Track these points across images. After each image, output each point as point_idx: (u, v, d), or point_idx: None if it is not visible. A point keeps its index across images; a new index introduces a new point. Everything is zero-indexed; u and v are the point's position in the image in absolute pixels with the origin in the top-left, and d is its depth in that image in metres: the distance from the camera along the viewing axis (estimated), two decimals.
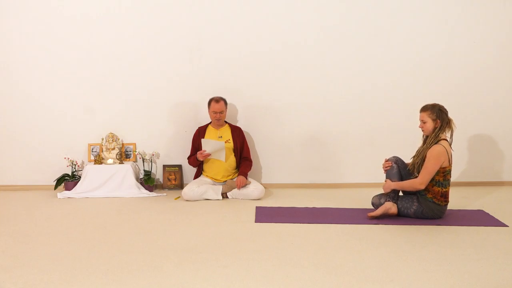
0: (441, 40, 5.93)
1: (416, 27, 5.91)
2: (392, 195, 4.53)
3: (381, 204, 4.63)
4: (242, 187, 5.41)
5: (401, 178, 4.56)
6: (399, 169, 4.57)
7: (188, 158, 5.69)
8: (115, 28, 5.87)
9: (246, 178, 5.49)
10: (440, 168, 4.39)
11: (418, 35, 5.92)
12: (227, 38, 5.89)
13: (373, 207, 4.75)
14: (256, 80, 5.95)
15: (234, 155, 5.63)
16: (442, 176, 4.41)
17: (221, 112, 5.54)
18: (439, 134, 4.45)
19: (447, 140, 4.44)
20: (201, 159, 5.50)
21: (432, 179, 4.42)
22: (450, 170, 4.44)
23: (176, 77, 5.93)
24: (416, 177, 4.49)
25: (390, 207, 4.50)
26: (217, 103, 5.53)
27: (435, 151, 4.39)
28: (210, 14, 5.87)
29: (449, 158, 4.39)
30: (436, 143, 4.41)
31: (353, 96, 5.99)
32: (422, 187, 4.41)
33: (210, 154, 5.43)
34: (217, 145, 5.41)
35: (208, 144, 5.41)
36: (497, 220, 4.53)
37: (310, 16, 5.89)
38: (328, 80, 5.97)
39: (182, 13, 5.85)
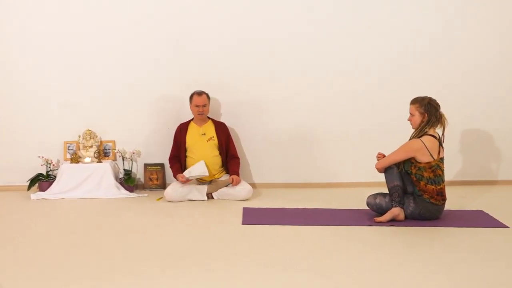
0: (438, 37, 5.96)
1: (410, 22, 5.94)
2: (398, 199, 4.52)
3: (376, 204, 4.65)
4: (235, 185, 5.43)
5: (402, 178, 4.57)
6: (399, 171, 4.57)
7: (170, 159, 5.68)
8: (92, 20, 5.84)
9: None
10: (425, 163, 4.42)
11: (413, 31, 5.94)
12: (212, 29, 5.88)
13: (368, 208, 4.77)
14: (242, 74, 5.95)
15: (219, 153, 5.63)
16: (431, 172, 4.44)
17: (203, 106, 5.54)
18: (425, 128, 4.48)
19: (434, 137, 4.46)
20: (179, 181, 5.47)
21: (422, 177, 4.45)
22: (438, 165, 4.44)
23: (158, 70, 5.91)
24: (412, 177, 4.52)
25: (398, 213, 4.50)
26: (199, 96, 5.53)
27: (407, 143, 4.50)
28: (194, 3, 5.85)
29: (430, 154, 4.42)
30: (418, 138, 4.47)
31: (346, 91, 6.01)
32: (377, 169, 4.59)
33: (189, 180, 5.43)
34: (199, 171, 5.41)
35: (190, 173, 5.42)
36: (497, 220, 4.57)
37: (300, 9, 5.90)
38: (320, 75, 5.98)
39: (164, 3, 5.84)
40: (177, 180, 5.46)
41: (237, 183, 5.44)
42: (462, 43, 5.99)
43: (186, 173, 5.41)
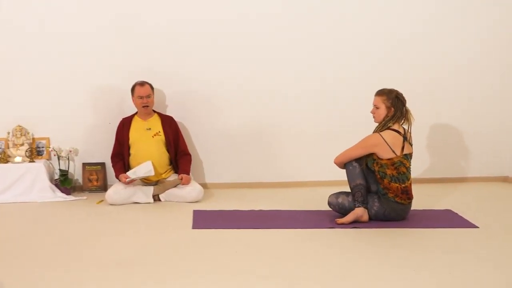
0: (406, 35, 6.08)
1: (382, 11, 6.04)
2: (360, 199, 4.56)
3: (338, 204, 4.69)
4: (184, 185, 5.42)
5: (365, 177, 4.61)
6: (361, 168, 4.62)
7: (112, 157, 5.64)
8: (20, 4, 5.74)
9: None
10: (386, 160, 4.48)
11: (382, 20, 6.05)
12: (156, 10, 5.85)
13: (330, 208, 4.80)
14: (192, 62, 5.94)
15: (167, 150, 5.59)
16: (394, 170, 4.50)
17: (148, 96, 5.51)
18: (388, 123, 4.55)
19: (398, 132, 4.52)
20: (121, 181, 5.43)
21: (385, 175, 4.51)
22: (401, 162, 4.49)
23: (97, 58, 5.85)
24: (376, 174, 4.57)
25: (361, 214, 4.54)
26: (142, 87, 5.50)
27: (365, 138, 4.58)
28: None
29: (392, 149, 4.47)
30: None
31: (307, 84, 6.07)
32: (336, 164, 4.70)
33: (133, 180, 5.39)
34: (144, 171, 5.37)
35: (135, 173, 5.37)
36: (466, 220, 4.67)
37: None
38: (277, 66, 6.03)
39: None
40: (120, 180, 5.40)
41: (187, 182, 5.41)
42: (429, 41, 6.13)
43: (131, 173, 5.36)
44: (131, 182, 5.36)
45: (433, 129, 6.20)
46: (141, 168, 5.39)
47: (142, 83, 5.53)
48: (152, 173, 5.36)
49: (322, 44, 6.02)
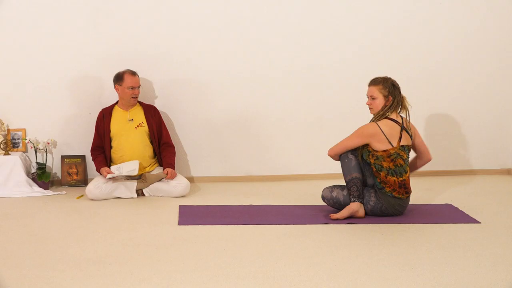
0: (402, 14, 6.10)
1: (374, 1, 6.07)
2: (356, 193, 4.56)
3: (333, 199, 4.69)
4: (169, 179, 5.41)
5: (362, 169, 4.62)
6: (357, 161, 4.62)
7: (92, 151, 5.62)
8: None
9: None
10: (382, 152, 4.48)
11: (373, 6, 6.07)
12: None
13: (323, 202, 4.81)
14: (176, 49, 5.93)
15: (151, 142, 5.58)
16: (391, 162, 4.50)
17: (138, 87, 5.50)
18: (387, 113, 4.55)
19: (396, 121, 4.52)
20: (102, 175, 5.42)
21: (382, 168, 4.52)
22: (398, 154, 4.49)
23: (76, 45, 5.82)
24: (372, 167, 4.57)
25: (357, 209, 4.54)
26: (134, 76, 5.50)
27: (361, 127, 4.57)
28: None
29: (388, 140, 4.48)
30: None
31: (298, 70, 6.07)
32: (330, 156, 4.71)
33: (116, 177, 5.37)
34: (128, 169, 5.36)
35: (120, 170, 5.36)
36: (467, 215, 4.69)
37: None
38: (268, 50, 6.03)
39: None
40: (101, 174, 5.38)
41: (173, 177, 5.40)
42: (429, 25, 6.14)
43: (115, 169, 5.34)
44: (112, 178, 5.33)
45: (431, 119, 6.21)
46: (127, 166, 5.36)
47: (133, 73, 5.50)
48: (135, 173, 5.32)
49: (310, 31, 6.02)
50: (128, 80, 5.47)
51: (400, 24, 6.08)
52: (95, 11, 5.79)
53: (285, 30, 5.99)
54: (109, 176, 5.28)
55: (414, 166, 4.85)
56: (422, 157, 4.76)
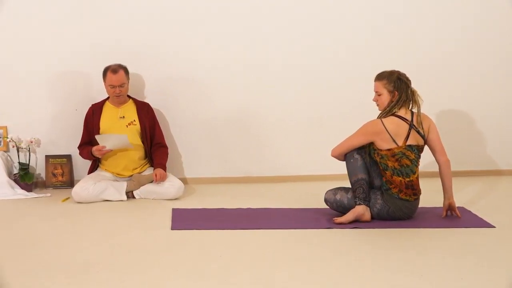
0: (411, 3, 6.10)
1: None
2: (362, 195, 4.55)
3: (336, 202, 4.69)
4: (158, 181, 5.40)
5: (368, 170, 4.61)
6: (364, 161, 4.62)
7: (80, 147, 5.61)
8: None
9: (165, 171, 5.49)
10: (386, 151, 4.48)
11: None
12: None
13: (326, 205, 4.81)
14: (171, 42, 5.92)
15: (142, 141, 5.58)
16: (396, 162, 4.50)
17: (121, 86, 5.46)
18: (393, 109, 4.54)
19: (404, 119, 4.51)
20: (99, 156, 5.43)
21: (387, 167, 4.52)
22: (404, 154, 4.48)
23: (60, 37, 5.82)
24: (379, 166, 4.57)
25: (363, 212, 4.53)
26: (115, 74, 5.43)
27: (365, 124, 4.58)
28: None
29: (392, 139, 4.47)
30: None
31: (298, 67, 6.08)
32: (334, 157, 4.73)
33: (111, 150, 5.37)
34: (118, 139, 5.36)
35: (105, 139, 5.36)
36: (480, 219, 4.69)
37: None
38: (266, 47, 6.03)
39: None
40: (94, 155, 5.41)
41: (162, 178, 5.39)
42: (437, 12, 6.14)
43: (99, 138, 5.36)
44: (107, 152, 5.37)
45: (441, 115, 6.20)
46: (115, 137, 5.37)
47: (115, 69, 5.44)
48: (131, 146, 5.38)
49: (311, 29, 6.02)
50: (109, 78, 5.45)
51: (406, 17, 6.08)
52: (84, 3, 5.78)
53: (286, 26, 6.00)
54: (104, 150, 5.32)
55: (441, 180, 4.75)
56: (435, 157, 4.71)
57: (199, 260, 3.83)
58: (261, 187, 5.92)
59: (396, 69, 4.63)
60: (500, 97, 6.28)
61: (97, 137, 5.38)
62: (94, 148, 5.39)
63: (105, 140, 5.36)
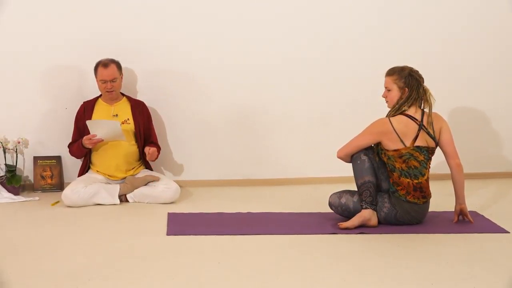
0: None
1: None
2: (369, 199, 4.55)
3: (341, 205, 4.69)
4: (151, 182, 5.41)
5: (376, 172, 4.62)
6: (371, 162, 4.63)
7: (70, 145, 5.62)
8: None
9: (158, 153, 5.55)
10: (393, 151, 4.49)
11: None
12: None
13: (331, 210, 4.81)
14: (166, 37, 5.94)
15: (136, 141, 5.59)
16: (403, 163, 4.51)
17: (112, 81, 5.48)
18: (402, 107, 4.55)
19: (413, 118, 4.51)
20: (90, 146, 5.42)
21: (395, 169, 4.53)
22: (411, 155, 4.49)
23: (50, 32, 5.82)
24: (387, 167, 4.58)
25: (369, 217, 4.54)
26: (106, 68, 5.46)
27: (372, 123, 4.59)
28: None
29: (400, 139, 4.49)
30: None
31: (300, 62, 6.09)
32: (340, 158, 4.72)
33: (103, 140, 5.36)
34: (110, 126, 5.34)
35: (97, 126, 5.34)
36: (494, 224, 4.70)
37: None
38: (268, 40, 6.04)
39: None
40: (84, 145, 5.41)
41: (152, 157, 5.45)
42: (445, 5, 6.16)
43: (90, 124, 5.36)
44: (98, 141, 5.37)
45: (453, 114, 6.21)
46: (107, 123, 5.38)
47: (106, 64, 5.47)
48: (123, 137, 5.39)
49: (315, 22, 6.03)
50: (100, 73, 5.47)
51: (414, 11, 6.09)
52: None
53: (287, 24, 6.01)
54: (94, 139, 5.33)
55: (453, 184, 4.75)
56: (447, 160, 4.70)
57: (196, 267, 3.84)
58: (262, 190, 5.92)
59: (408, 65, 4.64)
60: None
61: (88, 122, 5.38)
62: (85, 137, 5.39)
63: (97, 127, 5.36)
